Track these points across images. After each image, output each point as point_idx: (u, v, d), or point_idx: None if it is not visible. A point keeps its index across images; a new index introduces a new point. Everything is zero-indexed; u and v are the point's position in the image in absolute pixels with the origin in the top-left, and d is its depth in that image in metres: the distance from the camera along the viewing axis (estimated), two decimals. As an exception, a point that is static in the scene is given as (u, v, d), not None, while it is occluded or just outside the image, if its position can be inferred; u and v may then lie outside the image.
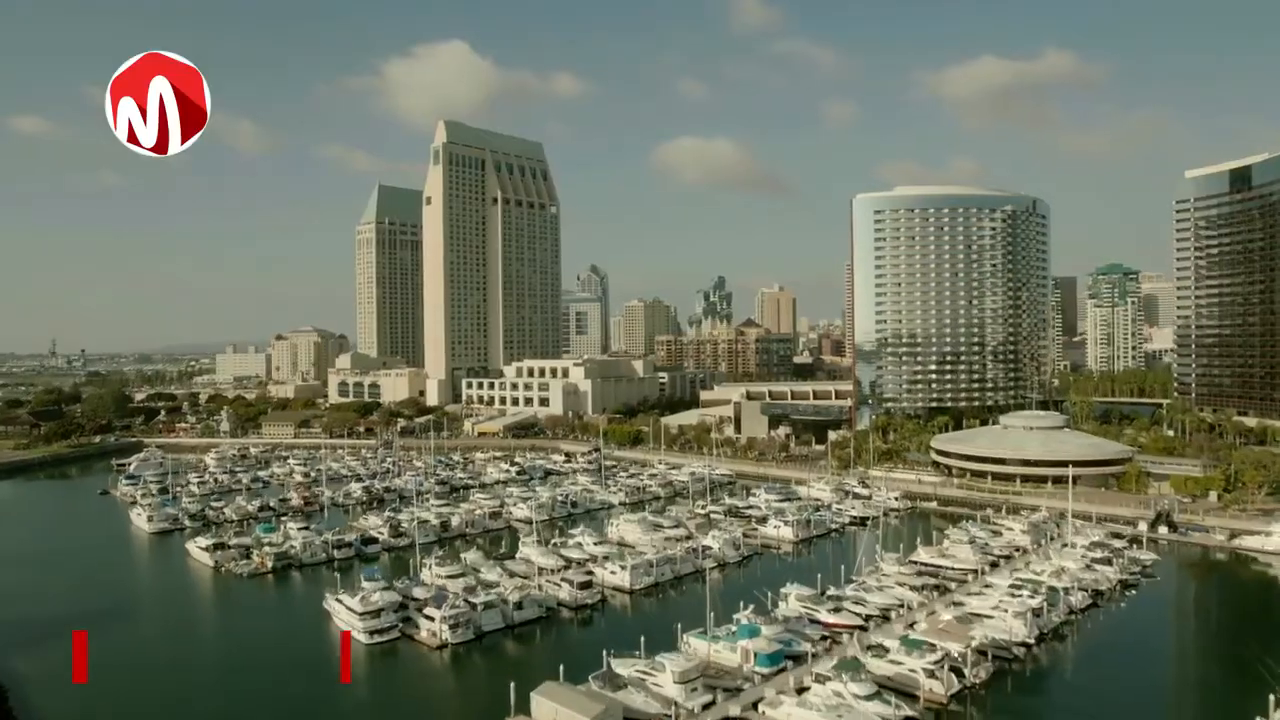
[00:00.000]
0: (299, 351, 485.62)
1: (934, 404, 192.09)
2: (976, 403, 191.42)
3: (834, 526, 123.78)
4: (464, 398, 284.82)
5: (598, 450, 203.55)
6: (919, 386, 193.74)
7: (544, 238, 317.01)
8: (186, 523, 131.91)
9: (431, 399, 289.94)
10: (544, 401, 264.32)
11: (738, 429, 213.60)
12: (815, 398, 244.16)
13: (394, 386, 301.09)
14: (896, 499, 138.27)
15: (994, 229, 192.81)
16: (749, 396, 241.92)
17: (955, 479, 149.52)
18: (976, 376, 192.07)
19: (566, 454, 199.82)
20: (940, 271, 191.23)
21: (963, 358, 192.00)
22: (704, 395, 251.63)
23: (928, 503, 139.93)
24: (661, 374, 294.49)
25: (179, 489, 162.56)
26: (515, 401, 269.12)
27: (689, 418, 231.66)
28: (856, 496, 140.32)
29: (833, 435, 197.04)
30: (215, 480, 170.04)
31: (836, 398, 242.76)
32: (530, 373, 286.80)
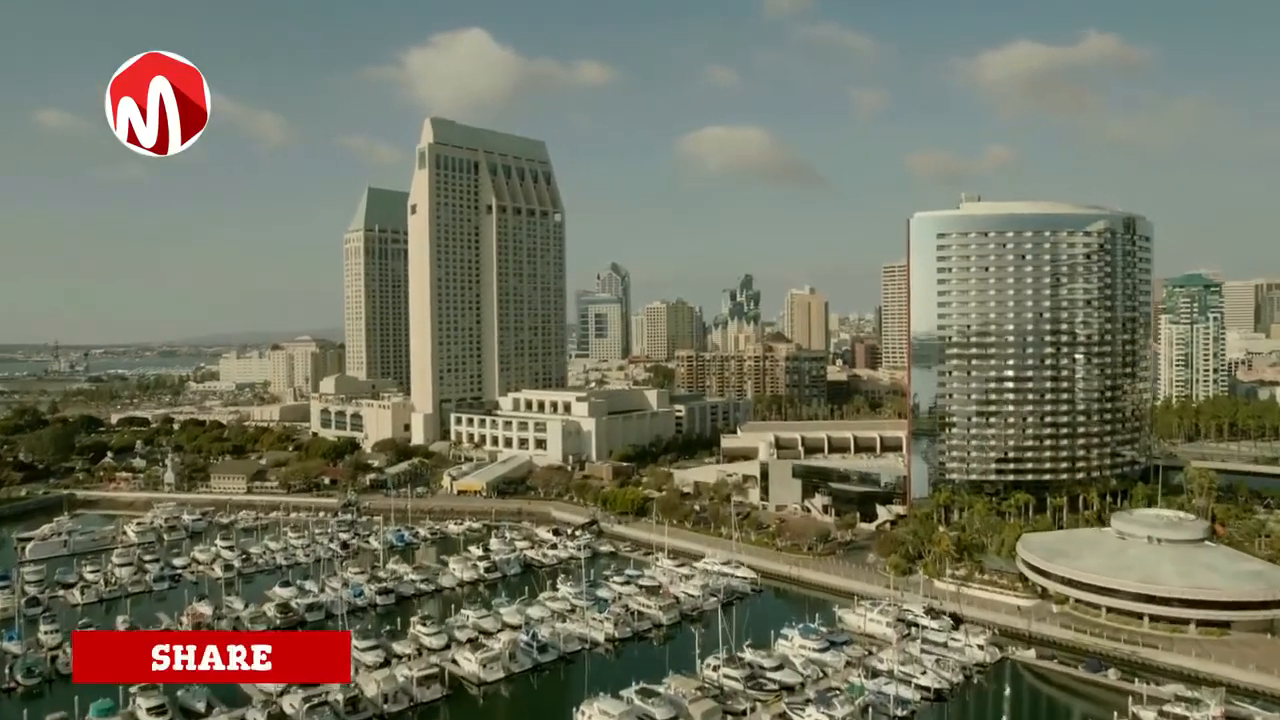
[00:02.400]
0: (295, 363, 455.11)
1: (1011, 473, 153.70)
2: (1065, 474, 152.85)
3: (901, 714, 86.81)
4: (453, 435, 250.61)
5: (594, 524, 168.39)
6: (991, 449, 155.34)
7: (546, 249, 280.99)
8: (19, 680, 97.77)
9: (417, 436, 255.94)
10: (541, 443, 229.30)
11: (764, 495, 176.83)
12: (858, 445, 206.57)
13: (377, 419, 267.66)
14: (982, 646, 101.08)
15: (1086, 255, 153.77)
16: (779, 445, 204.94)
17: (1054, 604, 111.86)
18: (1064, 438, 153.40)
19: (556, 529, 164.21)
20: (1020, 309, 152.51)
21: (1048, 417, 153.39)
22: (726, 442, 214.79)
23: (1024, 651, 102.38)
24: (678, 406, 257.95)
25: (58, 595, 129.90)
26: (509, 442, 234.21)
27: (707, 473, 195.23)
28: (926, 642, 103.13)
29: (883, 513, 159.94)
30: (111, 578, 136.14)
31: (883, 447, 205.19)
32: (529, 405, 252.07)
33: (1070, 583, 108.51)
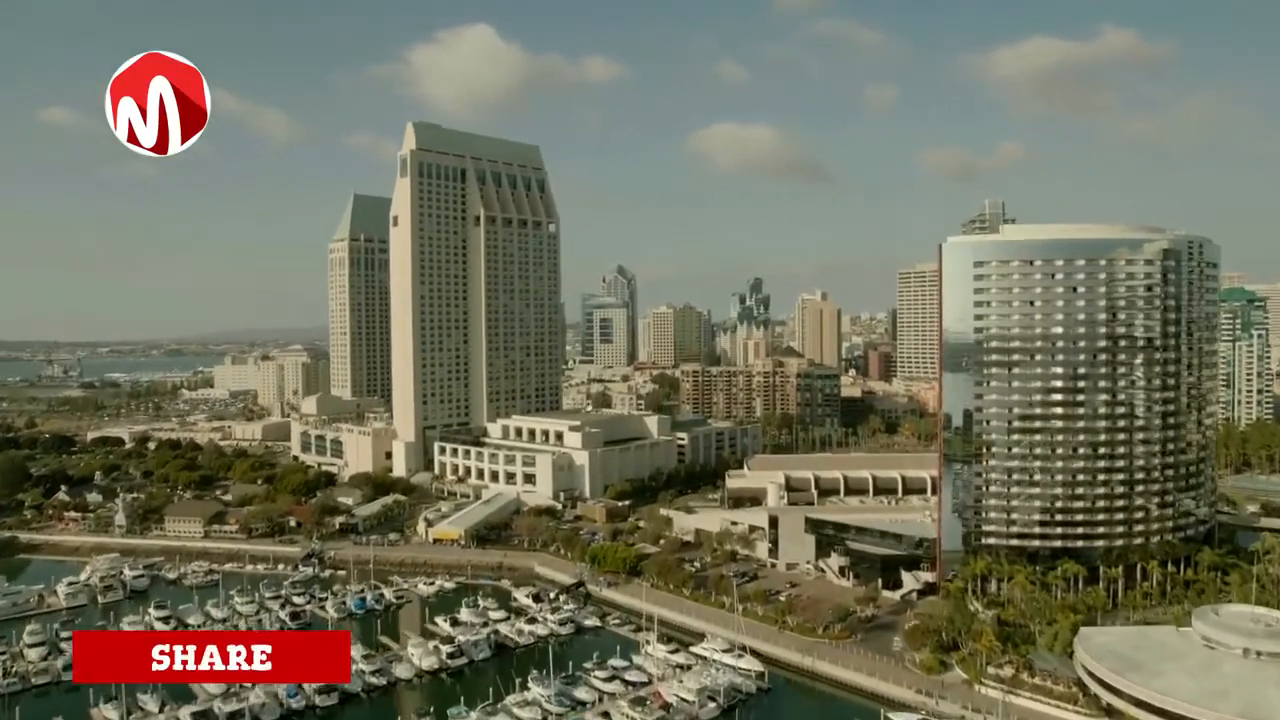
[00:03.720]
0: (285, 374, 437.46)
1: (1059, 537, 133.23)
2: (1120, 539, 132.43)
3: None
4: (436, 465, 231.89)
5: (580, 586, 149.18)
6: (1035, 496, 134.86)
7: (540, 263, 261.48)
8: None
9: (398, 466, 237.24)
10: (530, 478, 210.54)
11: (774, 552, 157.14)
12: (877, 486, 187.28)
13: (357, 447, 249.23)
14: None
15: (1147, 287, 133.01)
16: (789, 486, 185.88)
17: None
18: (1120, 496, 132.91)
19: (537, 594, 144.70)
20: (1071, 350, 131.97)
21: (1100, 475, 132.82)
22: (731, 482, 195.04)
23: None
24: (680, 435, 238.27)
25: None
26: (495, 476, 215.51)
27: (710, 519, 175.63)
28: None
29: (909, 580, 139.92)
30: (12, 665, 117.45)
31: (905, 489, 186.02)
32: (519, 433, 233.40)
33: (1150, 708, 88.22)
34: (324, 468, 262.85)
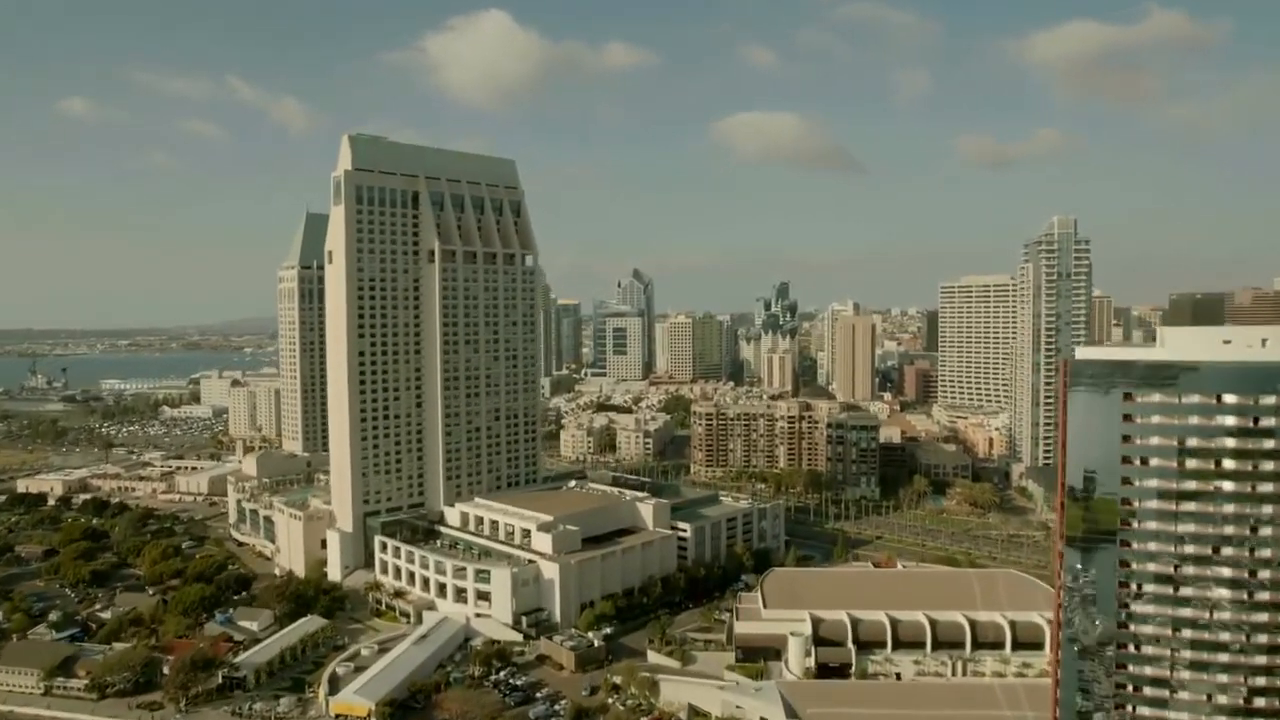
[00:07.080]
0: (258, 401, 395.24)
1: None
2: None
3: None
4: (376, 563, 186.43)
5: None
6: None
7: (512, 305, 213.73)
8: None
9: (332, 564, 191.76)
10: (486, 596, 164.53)
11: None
12: (937, 635, 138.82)
13: (288, 532, 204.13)
14: None
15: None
16: (818, 638, 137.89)
17: None
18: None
19: None
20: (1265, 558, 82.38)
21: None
22: (742, 625, 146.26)
23: None
24: (682, 526, 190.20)
25: None
26: (442, 590, 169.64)
27: (709, 694, 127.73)
28: None
29: None
30: None
31: (974, 643, 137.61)
32: (479, 523, 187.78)
33: None
34: (258, 549, 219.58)
